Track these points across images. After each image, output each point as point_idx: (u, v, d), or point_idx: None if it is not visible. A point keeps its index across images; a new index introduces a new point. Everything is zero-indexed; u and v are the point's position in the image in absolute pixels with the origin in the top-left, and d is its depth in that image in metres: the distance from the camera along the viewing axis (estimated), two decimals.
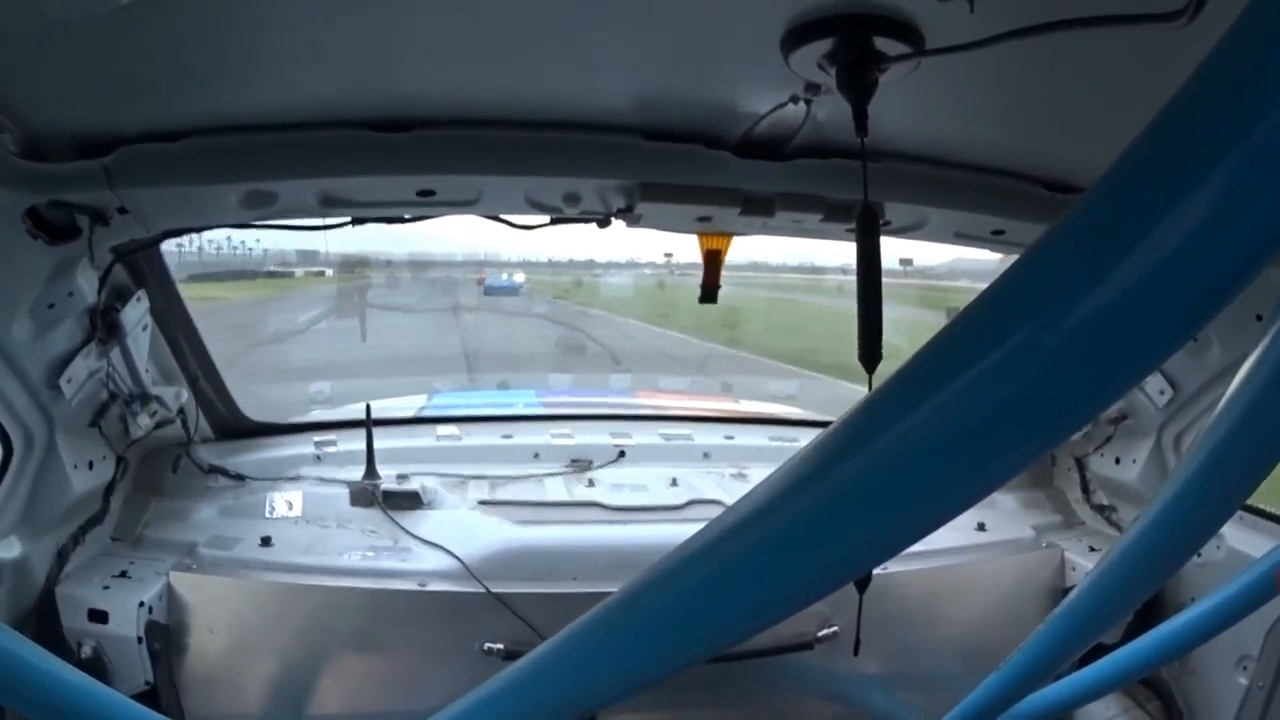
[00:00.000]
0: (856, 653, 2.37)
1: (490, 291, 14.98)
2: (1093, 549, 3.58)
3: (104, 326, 2.79)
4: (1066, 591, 3.33)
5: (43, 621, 2.88)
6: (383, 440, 3.70)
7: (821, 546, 1.01)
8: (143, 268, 2.98)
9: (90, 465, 3.03)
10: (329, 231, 2.82)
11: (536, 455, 3.98)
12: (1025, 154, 2.57)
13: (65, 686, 1.44)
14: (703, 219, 2.67)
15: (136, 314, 2.91)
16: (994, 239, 2.91)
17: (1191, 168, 0.75)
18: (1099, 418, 3.46)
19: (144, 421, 3.07)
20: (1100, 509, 3.80)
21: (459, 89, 2.18)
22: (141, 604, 2.92)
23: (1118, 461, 3.66)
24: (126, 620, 2.90)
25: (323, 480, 3.64)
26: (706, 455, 4.10)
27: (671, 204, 2.55)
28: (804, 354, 13.05)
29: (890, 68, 1.76)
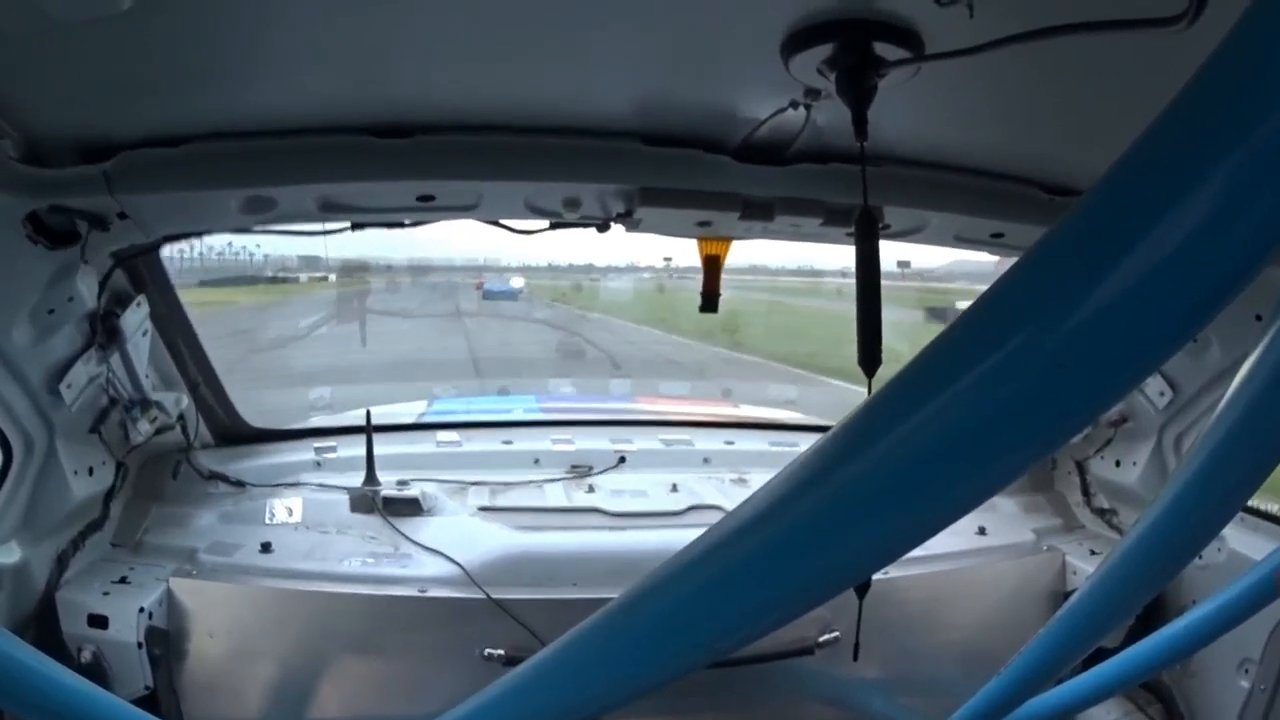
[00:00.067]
0: (856, 658, 2.37)
1: (489, 296, 15.00)
2: (1093, 552, 3.58)
3: (104, 332, 2.79)
4: (1067, 595, 3.33)
5: (43, 627, 2.88)
6: (383, 446, 3.70)
7: (822, 551, 1.01)
8: (143, 273, 2.98)
9: (90, 471, 3.03)
10: (329, 237, 2.83)
11: (537, 461, 3.97)
12: (1024, 157, 2.57)
13: (65, 691, 1.44)
14: (702, 224, 2.68)
15: (136, 319, 2.91)
16: (993, 242, 2.91)
17: (1190, 170, 0.75)
18: (1099, 420, 3.46)
19: (144, 427, 3.07)
20: (1101, 512, 3.80)
21: (459, 94, 2.18)
22: (141, 609, 2.92)
23: (1118, 464, 3.66)
24: (126, 626, 2.90)
25: (323, 486, 3.63)
26: (707, 460, 4.10)
27: (671, 209, 2.55)
28: (804, 357, 13.05)
29: (890, 72, 1.76)
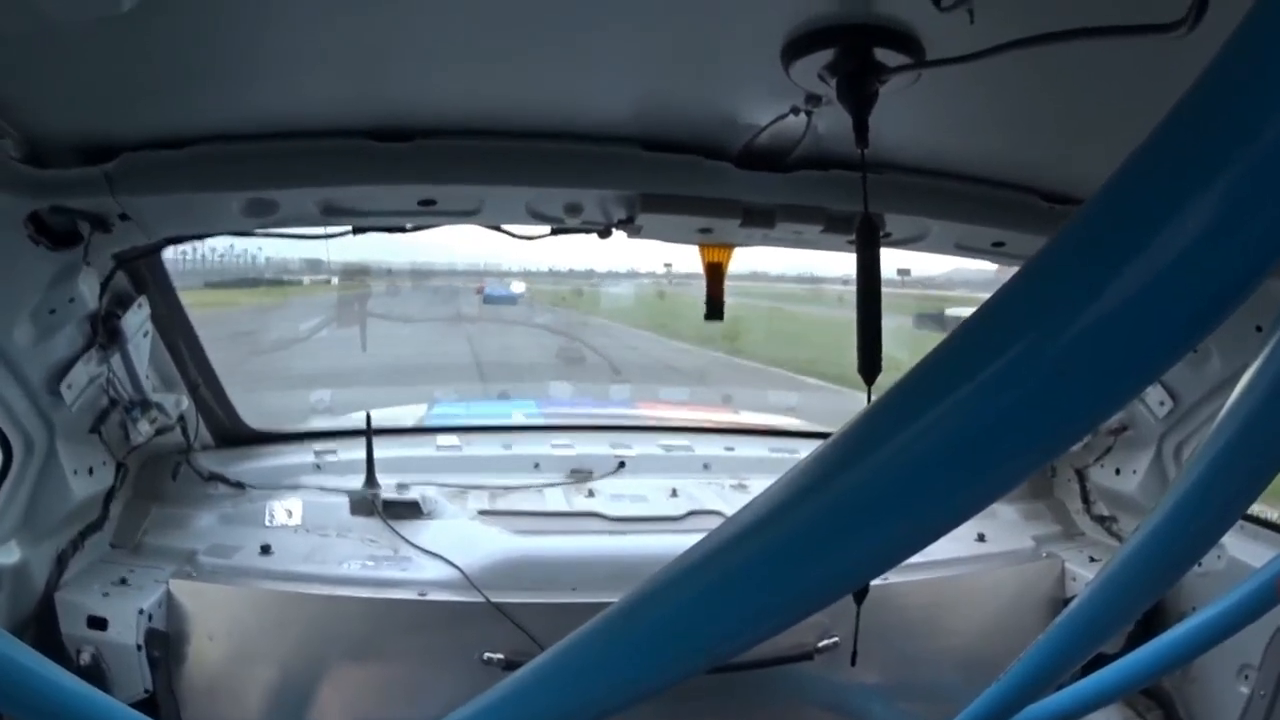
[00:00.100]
0: (854, 663, 2.37)
1: (490, 301, 15.01)
2: (1093, 559, 3.58)
3: (105, 333, 2.80)
4: (1067, 602, 3.33)
5: (42, 628, 2.88)
6: (383, 449, 3.70)
7: (822, 557, 1.01)
8: (144, 274, 2.98)
9: (90, 471, 3.03)
10: (330, 240, 2.83)
11: (537, 465, 3.97)
12: (1025, 165, 2.57)
13: (64, 693, 1.43)
14: (703, 230, 2.68)
15: (137, 320, 2.91)
16: (994, 250, 2.91)
17: (1192, 177, 0.75)
18: (1099, 429, 3.46)
19: (144, 428, 3.07)
20: (1100, 519, 3.80)
21: (460, 99, 2.19)
22: (141, 611, 2.92)
23: (1118, 472, 3.67)
24: (126, 627, 2.90)
25: (323, 489, 3.63)
26: (706, 466, 4.10)
27: (672, 215, 2.55)
28: (805, 364, 13.05)
29: (891, 79, 1.76)
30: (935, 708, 2.83)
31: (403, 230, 2.80)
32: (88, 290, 2.64)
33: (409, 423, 4.65)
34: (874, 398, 1.23)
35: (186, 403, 3.35)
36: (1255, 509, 3.06)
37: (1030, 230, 2.71)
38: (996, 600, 3.48)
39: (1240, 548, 3.05)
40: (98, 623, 2.90)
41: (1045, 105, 2.06)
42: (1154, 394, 3.34)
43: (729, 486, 3.86)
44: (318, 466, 3.80)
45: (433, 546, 3.27)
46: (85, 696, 1.48)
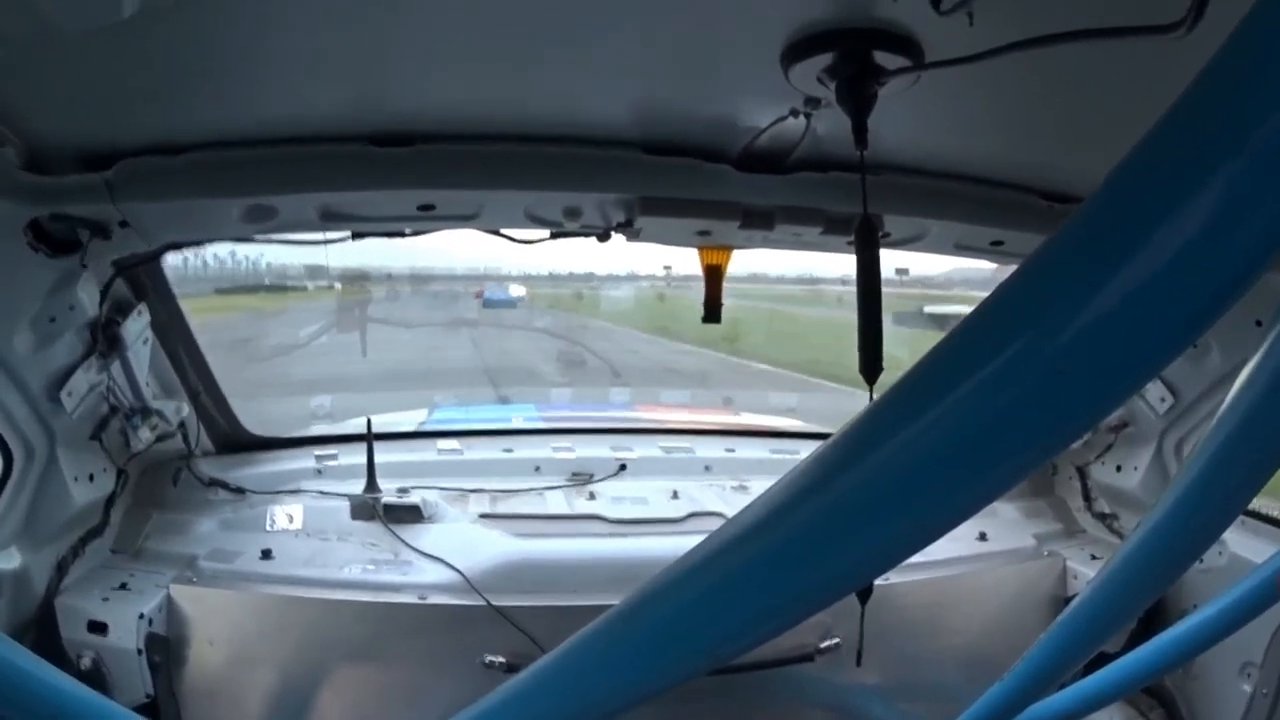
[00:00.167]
0: (859, 663, 2.37)
1: (489, 305, 15.01)
2: (1094, 557, 3.58)
3: (105, 340, 2.80)
4: (1068, 600, 3.32)
5: (42, 633, 2.88)
6: (383, 454, 3.70)
7: (823, 557, 1.01)
8: (144, 281, 2.99)
9: (91, 478, 3.03)
10: (330, 246, 2.83)
11: (537, 469, 3.97)
12: (1024, 165, 2.58)
13: (64, 698, 1.43)
14: (703, 233, 2.68)
15: (137, 327, 2.91)
16: (993, 250, 2.92)
17: (1190, 175, 0.75)
18: (1100, 425, 3.46)
19: (144, 435, 3.07)
20: (1102, 517, 3.80)
21: (459, 103, 2.19)
22: (141, 616, 2.92)
23: (1119, 469, 3.67)
24: (126, 632, 2.90)
25: (323, 494, 3.63)
26: (707, 468, 4.10)
27: (671, 218, 2.55)
28: (805, 364, 13.06)
29: (890, 81, 1.76)
30: (937, 708, 2.83)
31: (402, 235, 2.80)
32: (87, 297, 2.64)
33: (409, 427, 4.66)
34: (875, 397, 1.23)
35: (187, 409, 3.36)
36: (1256, 504, 3.06)
37: (1029, 229, 2.71)
38: (998, 599, 3.48)
39: (1241, 544, 3.05)
40: (98, 628, 2.90)
41: (1044, 106, 2.06)
42: (1154, 390, 3.35)
43: (730, 488, 3.85)
44: (318, 471, 3.80)
45: (433, 550, 3.27)
46: (86, 701, 1.48)
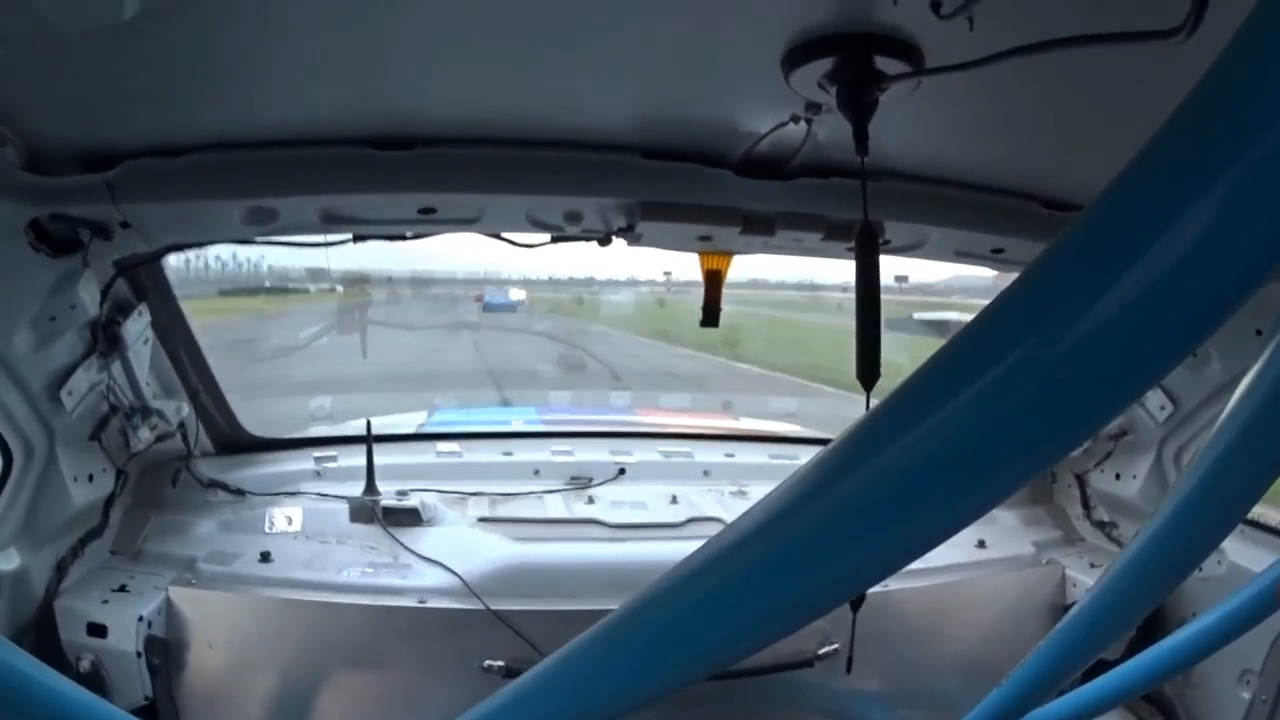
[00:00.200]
0: (849, 670, 2.36)
1: (489, 309, 15.03)
2: (1093, 565, 3.57)
3: (105, 339, 2.80)
4: (1067, 608, 3.32)
5: (41, 634, 2.87)
6: (383, 456, 3.69)
7: (822, 563, 1.01)
8: (144, 281, 2.99)
9: (90, 478, 3.03)
10: (331, 249, 2.83)
11: (537, 472, 3.97)
12: (1025, 172, 2.58)
13: (63, 700, 1.43)
14: (703, 238, 2.68)
15: (138, 327, 2.91)
16: (993, 257, 2.92)
17: (1191, 183, 0.75)
18: (1099, 433, 3.46)
19: (144, 435, 3.07)
20: (1101, 525, 3.80)
21: (460, 107, 2.19)
22: (140, 618, 2.91)
23: (1118, 477, 3.66)
24: (126, 635, 2.89)
25: (323, 496, 3.63)
26: (706, 473, 4.09)
27: (672, 223, 2.55)
28: (805, 369, 13.07)
29: (890, 87, 1.77)
30: (936, 715, 2.83)
31: (403, 238, 2.80)
32: (88, 297, 2.64)
33: (409, 429, 4.66)
34: (873, 404, 1.23)
35: (187, 409, 3.35)
36: (1255, 513, 3.06)
37: (1030, 237, 2.71)
38: (997, 607, 3.47)
39: (1240, 553, 3.05)
40: (97, 630, 2.90)
41: (1045, 112, 2.06)
42: (1154, 398, 3.34)
43: (729, 493, 3.85)
44: (318, 473, 3.80)
45: (432, 554, 3.26)
46: (85, 703, 1.48)
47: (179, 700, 3.07)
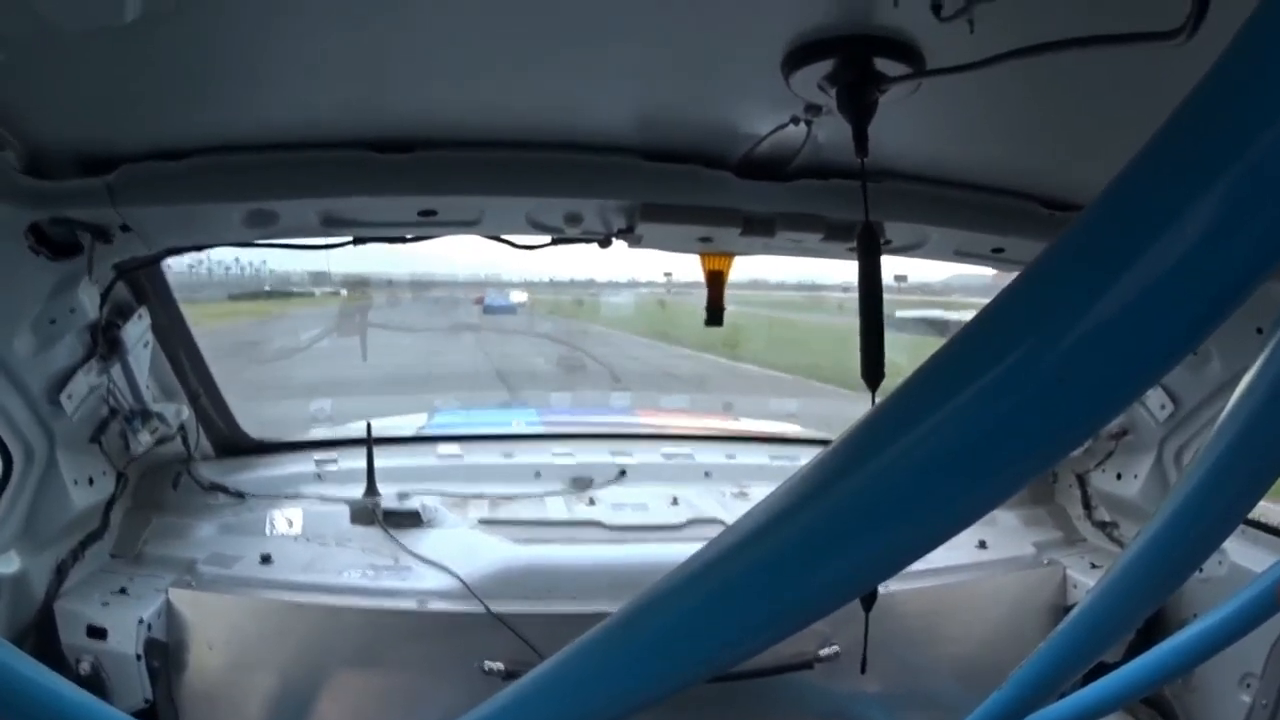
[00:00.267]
0: (864, 670, 2.36)
1: (489, 311, 15.04)
2: (1094, 566, 3.57)
3: (105, 343, 2.80)
4: (1068, 609, 3.31)
5: (41, 637, 2.88)
6: (383, 459, 3.69)
7: (823, 564, 1.01)
8: (144, 285, 2.99)
9: (90, 481, 3.03)
10: (332, 253, 2.83)
11: (537, 474, 3.97)
12: (1025, 172, 2.58)
13: (63, 702, 1.43)
14: (703, 239, 2.68)
15: (138, 331, 2.92)
16: (994, 257, 2.92)
17: (1191, 182, 0.75)
18: (1100, 433, 3.46)
19: (144, 438, 3.07)
20: (1102, 525, 3.80)
21: (460, 109, 2.19)
22: (141, 621, 2.92)
23: (1119, 477, 3.66)
24: (126, 637, 2.89)
25: (323, 498, 3.63)
26: (707, 474, 4.09)
27: (672, 224, 2.55)
28: (805, 368, 13.09)
29: (890, 88, 1.77)
30: (936, 716, 2.83)
31: (403, 240, 2.80)
32: (88, 300, 2.64)
33: (409, 432, 4.65)
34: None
35: (187, 412, 3.35)
36: (1256, 513, 3.06)
37: (1030, 236, 2.71)
38: (997, 608, 3.47)
39: (1241, 554, 3.05)
40: (97, 632, 2.90)
41: (1045, 113, 2.06)
42: (1155, 397, 3.34)
43: (730, 494, 3.85)
44: (318, 476, 3.79)
45: (433, 556, 3.26)
46: (85, 706, 1.47)
47: (179, 702, 3.07)
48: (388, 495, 3.57)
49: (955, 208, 2.66)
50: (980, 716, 2.13)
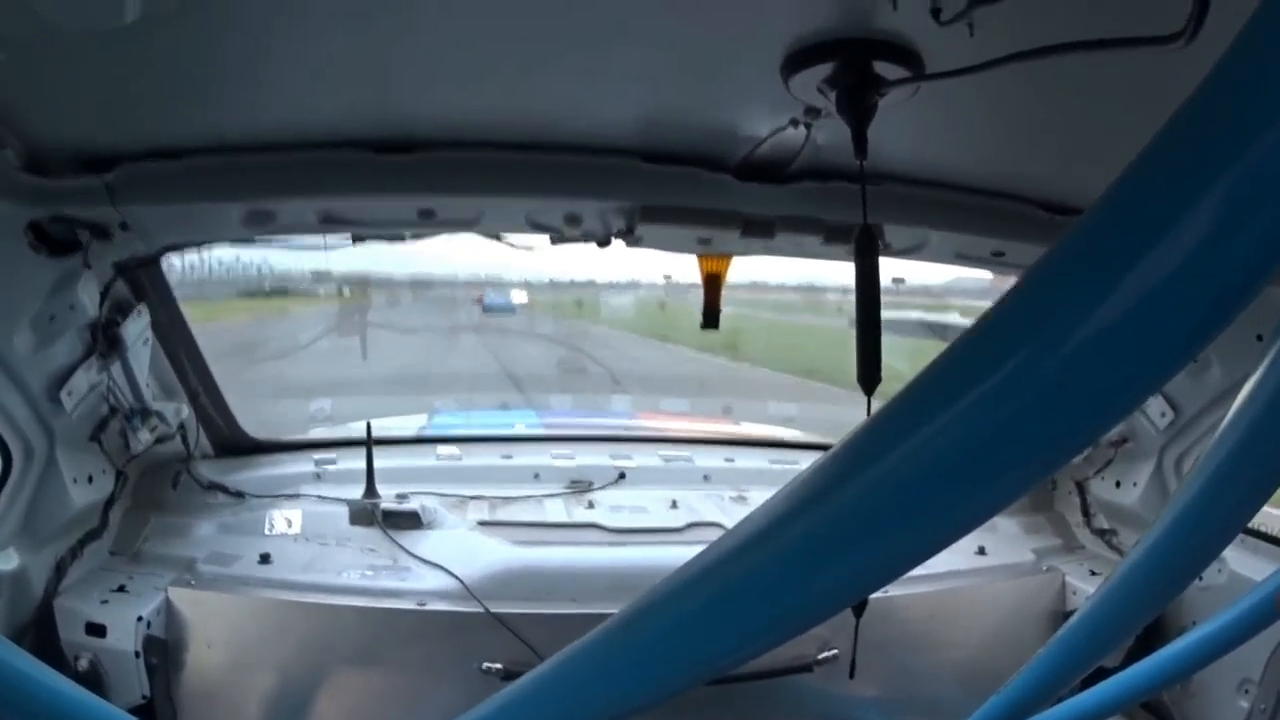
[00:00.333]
0: (852, 675, 2.36)
1: (488, 310, 15.06)
2: (1093, 573, 3.56)
3: (105, 340, 2.80)
4: (1067, 615, 3.32)
5: (40, 634, 2.88)
6: (383, 459, 3.69)
7: (822, 569, 1.01)
8: (144, 282, 2.99)
9: (90, 479, 3.03)
10: (331, 253, 2.84)
11: (537, 476, 3.96)
12: (1024, 176, 2.58)
13: (61, 699, 1.43)
14: (703, 241, 2.68)
15: (137, 328, 2.92)
16: (994, 260, 2.92)
17: (1191, 186, 0.75)
18: (1100, 441, 3.46)
19: (144, 436, 3.07)
20: (1101, 533, 3.79)
21: (460, 110, 2.19)
22: (140, 619, 2.92)
23: (1118, 485, 3.66)
24: (124, 634, 2.89)
25: (322, 498, 3.63)
26: (707, 477, 4.08)
27: (672, 226, 2.56)
28: (804, 370, 13.09)
29: (890, 91, 1.77)
30: None
31: (402, 239, 2.81)
32: (88, 298, 2.64)
33: (409, 432, 4.65)
34: (874, 407, 1.23)
35: (186, 411, 3.35)
36: (1255, 522, 3.05)
37: (1030, 240, 2.71)
38: (996, 614, 3.47)
39: (1241, 562, 3.04)
40: (96, 629, 2.90)
41: (1044, 117, 2.06)
42: (1155, 405, 3.34)
43: (729, 498, 3.84)
44: (318, 476, 3.79)
45: (432, 556, 3.26)
46: (83, 702, 1.47)
47: (177, 700, 3.07)
48: (387, 496, 3.57)
49: (955, 211, 2.66)
50: None
